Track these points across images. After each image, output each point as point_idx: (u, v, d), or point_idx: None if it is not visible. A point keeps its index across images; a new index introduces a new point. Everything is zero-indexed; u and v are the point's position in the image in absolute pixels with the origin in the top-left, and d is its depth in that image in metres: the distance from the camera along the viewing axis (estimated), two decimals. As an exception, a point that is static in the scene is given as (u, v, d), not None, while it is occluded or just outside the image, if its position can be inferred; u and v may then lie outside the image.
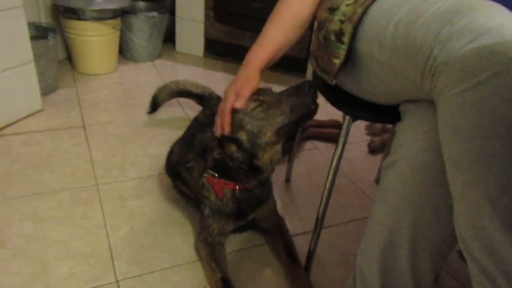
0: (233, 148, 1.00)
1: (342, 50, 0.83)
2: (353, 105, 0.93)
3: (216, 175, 1.07)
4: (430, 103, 0.72)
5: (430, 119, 0.71)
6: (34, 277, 1.05)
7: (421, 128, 0.72)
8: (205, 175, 1.10)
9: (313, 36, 0.95)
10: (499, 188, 0.59)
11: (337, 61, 0.84)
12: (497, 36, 0.58)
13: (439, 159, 0.68)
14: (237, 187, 1.08)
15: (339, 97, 0.96)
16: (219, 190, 1.09)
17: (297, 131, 1.39)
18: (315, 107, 0.97)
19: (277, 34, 0.99)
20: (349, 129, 0.97)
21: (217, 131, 0.99)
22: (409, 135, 0.73)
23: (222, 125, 0.97)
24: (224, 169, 1.06)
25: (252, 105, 0.97)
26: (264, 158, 1.02)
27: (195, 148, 1.18)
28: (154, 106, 1.78)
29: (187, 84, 1.76)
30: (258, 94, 1.00)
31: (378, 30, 0.76)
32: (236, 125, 0.98)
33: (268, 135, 0.98)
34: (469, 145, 0.60)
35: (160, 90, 1.75)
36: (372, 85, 0.84)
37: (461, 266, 1.20)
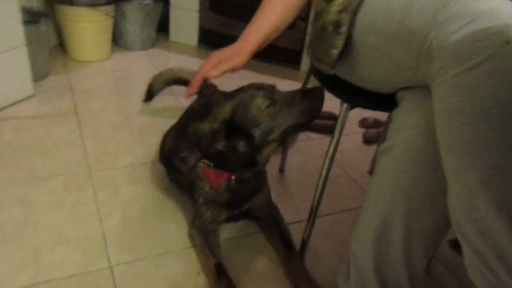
0: (241, 143, 1.00)
1: (340, 40, 0.83)
2: (351, 93, 0.93)
3: (212, 165, 1.07)
4: (426, 89, 0.72)
5: (425, 104, 0.71)
6: (26, 262, 1.04)
7: (416, 113, 0.72)
8: (200, 164, 1.09)
9: (310, 27, 0.95)
10: (492, 170, 0.60)
11: (335, 51, 0.84)
12: (492, 19, 0.58)
13: (434, 144, 0.68)
14: (232, 177, 1.08)
15: (336, 85, 0.96)
16: (214, 180, 1.09)
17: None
18: (319, 113, 1.00)
19: (271, 17, 1.00)
20: (346, 117, 0.97)
21: (188, 92, 1.04)
22: (404, 121, 0.74)
23: (190, 85, 1.03)
24: (220, 160, 1.06)
25: (267, 102, 0.98)
26: (264, 153, 1.03)
27: (189, 137, 1.17)
28: (150, 94, 1.77)
29: (182, 71, 1.76)
30: (271, 91, 1.01)
31: (374, 18, 0.76)
32: (252, 121, 0.98)
33: (276, 133, 0.99)
34: (462, 127, 0.61)
35: (155, 78, 1.75)
36: (369, 73, 0.84)
37: (452, 255, 1.22)
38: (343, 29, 0.81)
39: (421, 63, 0.67)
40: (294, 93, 1.02)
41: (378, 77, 0.83)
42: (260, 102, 0.98)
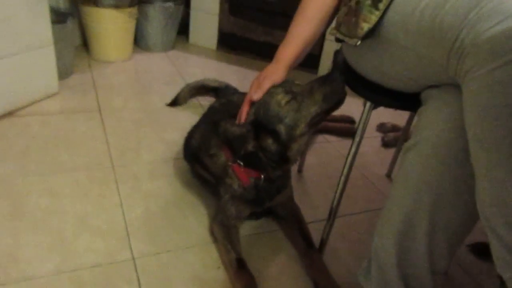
0: (269, 141, 1.02)
1: (375, 16, 0.83)
2: (375, 91, 0.95)
3: (242, 163, 1.09)
4: (453, 87, 0.74)
5: (453, 101, 0.72)
6: (52, 249, 1.07)
7: (444, 110, 0.73)
8: (231, 163, 1.12)
9: (341, 6, 0.96)
10: None
11: (365, 25, 0.84)
12: None
13: (462, 140, 0.69)
14: (262, 176, 1.10)
15: (360, 84, 0.98)
16: (245, 178, 1.10)
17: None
18: (343, 95, 0.99)
19: (304, 30, 1.01)
20: (369, 116, 0.98)
21: (238, 121, 1.03)
22: (431, 117, 0.75)
23: (240, 113, 1.02)
24: (251, 160, 1.07)
25: (287, 97, 0.99)
26: (294, 149, 1.04)
27: (220, 136, 1.19)
28: (175, 101, 1.86)
29: (205, 80, 1.87)
30: (289, 86, 1.02)
31: (403, 16, 0.77)
32: (274, 118, 1.00)
33: (302, 126, 1.00)
34: (495, 123, 0.62)
35: (183, 88, 1.87)
36: (395, 71, 0.85)
37: (471, 259, 1.22)
38: (382, 5, 0.81)
39: (452, 60, 0.68)
40: (312, 82, 1.02)
41: (405, 76, 0.84)
42: (279, 98, 1.00)
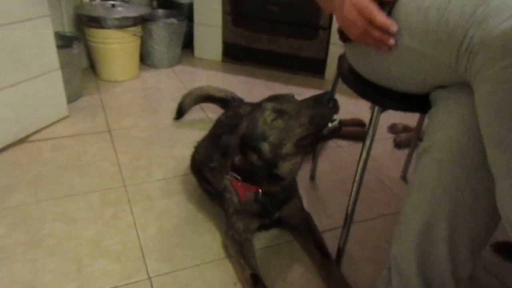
0: (254, 156, 1.02)
1: None
2: (382, 95, 0.93)
3: (239, 178, 1.09)
4: (463, 86, 0.71)
5: (465, 102, 0.70)
6: (69, 275, 1.07)
7: (456, 111, 0.71)
8: (228, 177, 1.11)
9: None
10: None
11: None
12: None
13: (477, 142, 0.67)
14: (260, 190, 1.09)
15: (367, 88, 0.96)
16: (242, 193, 1.10)
17: (318, 143, 1.34)
18: (339, 125, 0.97)
19: None
20: (378, 120, 0.97)
21: (382, 47, 0.80)
22: (443, 120, 0.73)
23: (384, 29, 0.76)
24: (246, 174, 1.07)
25: (274, 116, 0.99)
26: (284, 167, 1.04)
27: (220, 149, 1.19)
28: (180, 112, 1.85)
29: (210, 89, 1.83)
30: (280, 103, 1.01)
31: (407, 17, 0.76)
32: (259, 136, 1.00)
33: (288, 146, 0.99)
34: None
35: (185, 96, 1.83)
36: (402, 73, 0.84)
37: (496, 259, 1.18)
38: (386, 10, 0.77)
39: (461, 60, 0.66)
40: (302, 102, 1.00)
41: (412, 78, 0.82)
42: (267, 115, 0.99)
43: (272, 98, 1.05)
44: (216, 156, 1.21)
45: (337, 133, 0.98)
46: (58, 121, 1.80)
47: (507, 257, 1.18)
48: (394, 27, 0.75)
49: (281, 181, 1.08)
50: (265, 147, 1.00)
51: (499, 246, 1.19)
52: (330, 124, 0.97)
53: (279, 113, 0.98)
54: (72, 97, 1.97)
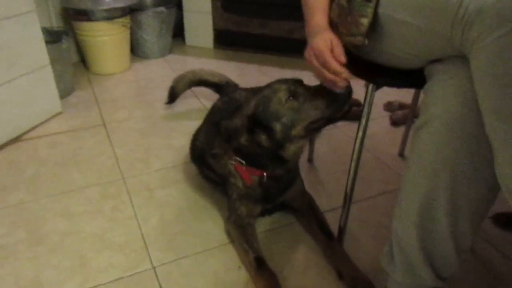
0: (263, 137, 1.01)
1: (370, 9, 0.81)
2: (376, 73, 0.92)
3: (244, 162, 1.08)
4: (458, 59, 0.71)
5: (461, 73, 0.69)
6: (73, 270, 1.07)
7: (452, 84, 0.70)
8: (232, 162, 1.11)
9: (333, 5, 0.94)
10: None
11: (365, 20, 0.82)
12: None
13: (474, 113, 0.67)
14: (264, 174, 1.09)
15: (360, 66, 0.95)
16: (247, 177, 1.10)
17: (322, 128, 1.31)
18: (349, 108, 0.96)
19: None
20: (373, 98, 0.96)
21: (335, 85, 0.88)
22: (440, 93, 0.72)
23: (336, 73, 0.85)
24: (251, 157, 1.07)
25: (287, 95, 0.97)
26: (290, 150, 1.03)
27: (222, 135, 1.18)
28: (172, 96, 1.80)
29: (203, 73, 1.78)
30: (295, 85, 1.00)
31: None
32: (272, 115, 0.98)
33: (298, 128, 0.98)
34: (510, 90, 0.59)
35: (177, 80, 1.78)
36: (396, 49, 0.83)
37: (495, 231, 1.19)
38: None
39: (457, 30, 0.65)
40: (320, 86, 0.99)
41: (406, 53, 0.81)
42: (281, 95, 0.98)
43: (281, 81, 1.03)
44: (218, 142, 1.20)
45: (347, 115, 0.98)
46: (52, 117, 1.78)
47: (506, 228, 1.19)
48: (345, 74, 0.85)
49: (286, 164, 1.07)
50: (277, 127, 0.99)
51: (498, 217, 1.20)
52: None
53: (294, 94, 0.97)
54: (65, 92, 1.95)
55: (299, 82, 1.02)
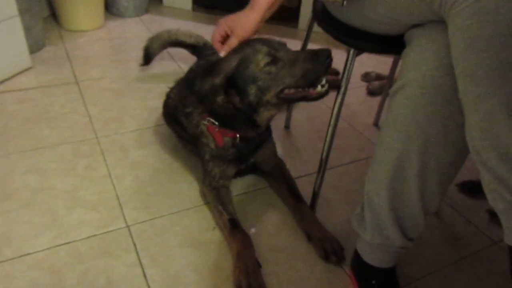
0: (237, 98, 1.00)
1: None
2: (357, 37, 0.92)
3: (216, 123, 1.07)
4: (437, 23, 0.72)
5: (439, 38, 0.70)
6: (45, 225, 1.06)
7: (429, 49, 0.72)
8: (205, 122, 1.10)
9: None
10: None
11: None
12: None
13: (449, 77, 0.68)
14: (237, 135, 1.09)
15: (342, 31, 0.95)
16: (219, 138, 1.09)
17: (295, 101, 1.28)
18: (326, 91, 0.96)
19: None
20: (353, 64, 0.97)
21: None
22: (417, 57, 0.73)
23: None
24: (225, 118, 1.06)
25: (267, 59, 0.95)
26: (263, 115, 1.03)
27: (196, 93, 1.16)
28: (147, 57, 1.74)
29: (180, 33, 1.71)
30: (275, 48, 0.97)
31: None
32: (249, 78, 0.97)
33: (271, 93, 0.97)
34: (484, 55, 0.60)
35: (152, 40, 1.71)
36: (377, 14, 0.83)
37: (460, 198, 1.25)
38: None
39: None
40: (300, 53, 0.97)
41: (387, 17, 0.81)
42: (260, 58, 0.96)
43: (263, 41, 0.99)
44: (191, 101, 1.18)
45: (322, 97, 0.97)
46: (21, 72, 1.70)
47: (471, 195, 1.25)
48: (222, 54, 1.01)
49: (258, 128, 1.08)
50: (252, 90, 0.97)
51: (464, 184, 1.26)
52: (319, 87, 0.96)
53: (273, 58, 0.95)
54: (35, 47, 1.86)
55: (281, 45, 1.00)
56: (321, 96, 0.97)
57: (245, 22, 0.96)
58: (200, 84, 1.12)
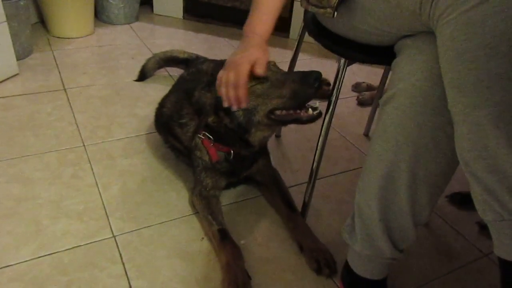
0: (226, 119, 1.00)
1: None
2: (348, 47, 0.92)
3: (212, 138, 1.07)
4: (427, 34, 0.72)
5: (428, 49, 0.71)
6: (28, 236, 1.03)
7: (418, 59, 0.72)
8: (201, 136, 1.09)
9: None
10: (502, 105, 0.61)
11: None
12: None
13: (439, 88, 0.68)
14: (232, 151, 1.08)
15: (333, 41, 0.95)
16: (214, 153, 1.09)
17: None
18: (317, 114, 0.94)
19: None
20: (344, 74, 0.96)
21: (230, 104, 0.91)
22: (407, 68, 0.73)
23: (239, 98, 0.89)
24: (217, 134, 1.06)
25: (254, 81, 0.93)
26: (256, 135, 1.02)
27: (193, 106, 1.15)
28: (142, 75, 1.78)
29: (174, 51, 1.79)
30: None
31: None
32: None
33: (260, 114, 0.96)
34: (472, 66, 0.61)
35: (149, 59, 1.79)
36: (367, 24, 0.83)
37: (450, 209, 1.25)
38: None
39: (424, 5, 0.66)
40: (289, 74, 0.96)
41: (377, 28, 0.82)
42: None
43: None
44: (187, 112, 1.17)
45: (314, 121, 0.96)
46: (7, 79, 1.67)
47: (461, 206, 1.25)
48: (243, 105, 0.90)
49: (251, 148, 1.07)
50: (239, 112, 0.97)
51: (454, 196, 1.26)
52: (311, 111, 0.94)
53: (261, 78, 0.93)
54: (22, 54, 1.83)
55: (270, 64, 0.98)
56: (312, 119, 0.95)
57: (263, 52, 0.92)
58: (199, 97, 1.11)
